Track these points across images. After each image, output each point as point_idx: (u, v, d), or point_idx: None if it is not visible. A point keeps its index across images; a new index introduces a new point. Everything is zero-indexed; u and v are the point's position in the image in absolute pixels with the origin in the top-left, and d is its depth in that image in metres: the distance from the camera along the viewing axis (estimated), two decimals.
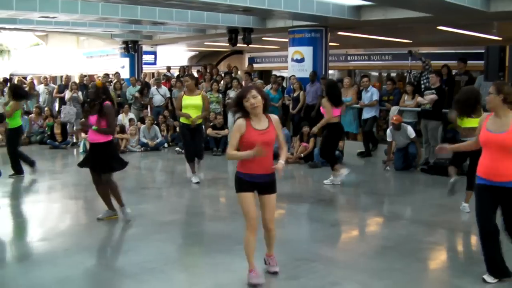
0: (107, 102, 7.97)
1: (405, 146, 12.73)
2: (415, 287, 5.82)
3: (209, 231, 7.98)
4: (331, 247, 7.42)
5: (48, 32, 29.35)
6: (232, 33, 18.28)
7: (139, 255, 6.72)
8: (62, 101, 19.07)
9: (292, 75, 16.88)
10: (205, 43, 25.74)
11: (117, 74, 21.18)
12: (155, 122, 16.89)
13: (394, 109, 14.16)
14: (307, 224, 8.80)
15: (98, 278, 6.14)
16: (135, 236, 7.56)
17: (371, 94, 14.75)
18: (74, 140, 17.00)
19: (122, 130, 15.95)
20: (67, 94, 18.36)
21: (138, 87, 18.91)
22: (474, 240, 7.35)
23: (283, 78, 19.41)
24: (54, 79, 21.66)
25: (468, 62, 15.04)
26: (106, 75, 21.22)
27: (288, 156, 13.76)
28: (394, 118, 12.85)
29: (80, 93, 18.04)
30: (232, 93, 16.72)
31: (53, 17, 15.99)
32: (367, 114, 14.85)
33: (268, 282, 5.84)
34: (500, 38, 18.92)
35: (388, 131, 13.01)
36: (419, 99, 13.23)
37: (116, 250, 7.12)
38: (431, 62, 14.54)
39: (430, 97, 12.56)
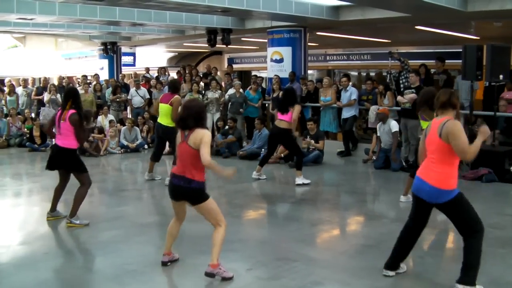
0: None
1: (388, 149, 12.83)
2: (396, 286, 5.85)
3: (189, 232, 7.94)
4: (312, 247, 7.45)
5: (26, 34, 29.13)
6: (211, 34, 18.29)
7: (119, 257, 6.70)
8: (41, 103, 18.93)
9: (275, 75, 16.85)
10: (184, 44, 25.71)
11: (95, 76, 21.05)
12: (135, 123, 16.82)
13: (373, 108, 14.26)
14: (288, 224, 8.79)
15: (78, 281, 6.11)
16: (115, 238, 7.53)
17: (350, 93, 14.80)
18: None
19: (100, 131, 15.86)
20: (46, 96, 18.24)
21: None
22: (452, 237, 7.42)
23: (262, 78, 19.47)
24: (33, 81, 21.45)
25: (446, 61, 15.16)
26: (85, 76, 21.09)
27: None
28: (380, 109, 13.00)
29: (59, 95, 17.92)
30: (210, 94, 16.70)
31: (31, 19, 15.87)
32: (346, 113, 14.91)
33: (250, 283, 5.85)
34: (478, 37, 19.09)
35: (378, 125, 13.15)
36: (399, 98, 13.30)
37: (97, 253, 7.08)
38: (410, 61, 14.63)
39: (409, 96, 12.63)
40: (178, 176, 5.86)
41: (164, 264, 6.26)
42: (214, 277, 5.79)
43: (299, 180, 11.20)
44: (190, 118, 5.79)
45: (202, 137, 5.69)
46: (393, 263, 5.99)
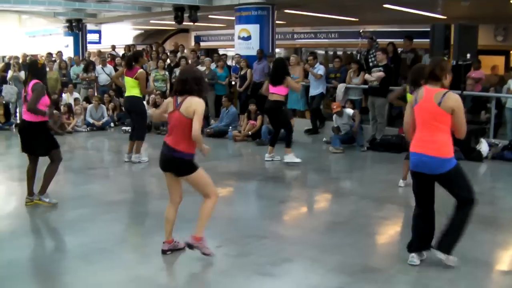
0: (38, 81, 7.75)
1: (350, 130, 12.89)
2: (365, 262, 5.86)
3: (157, 210, 7.86)
4: (281, 224, 7.47)
5: None
6: (178, 11, 18.11)
7: (88, 236, 6.62)
8: (4, 81, 18.60)
9: (237, 54, 16.78)
10: (151, 21, 25.48)
11: (59, 53, 20.71)
12: (102, 101, 16.62)
13: (341, 86, 14.30)
14: (256, 201, 8.80)
15: (46, 260, 6.04)
16: (83, 217, 7.43)
17: (318, 71, 14.77)
18: (18, 121, 16.58)
19: (70, 109, 15.67)
20: (9, 73, 17.91)
21: (82, 66, 18.58)
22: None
23: (226, 56, 19.41)
24: None
25: (414, 40, 15.22)
26: (49, 54, 20.74)
27: (236, 133, 13.79)
28: (335, 106, 12.97)
29: (22, 72, 17.59)
30: (178, 72, 16.55)
31: None
32: (314, 91, 14.89)
33: (219, 260, 5.82)
34: (445, 17, 19.18)
35: (333, 116, 13.11)
36: (367, 76, 13.33)
37: (64, 231, 6.99)
38: (378, 40, 14.68)
39: (377, 74, 12.67)
40: (166, 145, 5.67)
41: (164, 252, 5.90)
42: (193, 249, 5.67)
43: (288, 158, 10.96)
44: (188, 82, 5.53)
45: (196, 107, 5.45)
46: (419, 248, 5.72)
